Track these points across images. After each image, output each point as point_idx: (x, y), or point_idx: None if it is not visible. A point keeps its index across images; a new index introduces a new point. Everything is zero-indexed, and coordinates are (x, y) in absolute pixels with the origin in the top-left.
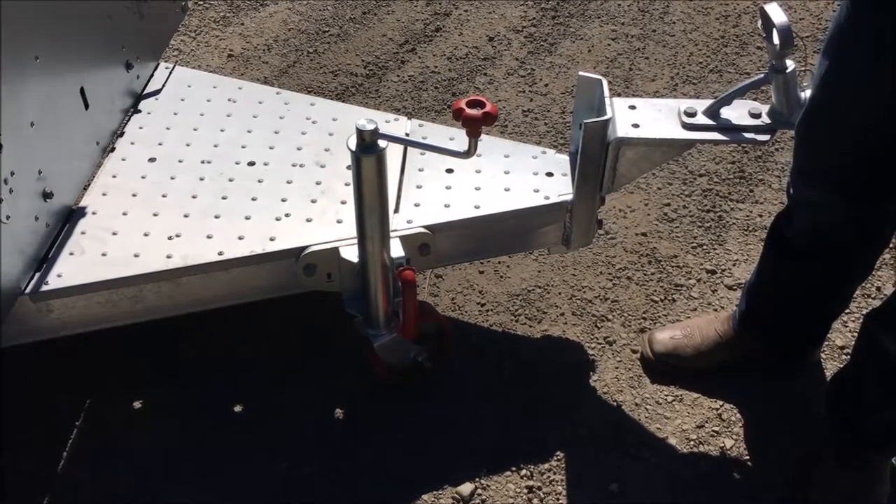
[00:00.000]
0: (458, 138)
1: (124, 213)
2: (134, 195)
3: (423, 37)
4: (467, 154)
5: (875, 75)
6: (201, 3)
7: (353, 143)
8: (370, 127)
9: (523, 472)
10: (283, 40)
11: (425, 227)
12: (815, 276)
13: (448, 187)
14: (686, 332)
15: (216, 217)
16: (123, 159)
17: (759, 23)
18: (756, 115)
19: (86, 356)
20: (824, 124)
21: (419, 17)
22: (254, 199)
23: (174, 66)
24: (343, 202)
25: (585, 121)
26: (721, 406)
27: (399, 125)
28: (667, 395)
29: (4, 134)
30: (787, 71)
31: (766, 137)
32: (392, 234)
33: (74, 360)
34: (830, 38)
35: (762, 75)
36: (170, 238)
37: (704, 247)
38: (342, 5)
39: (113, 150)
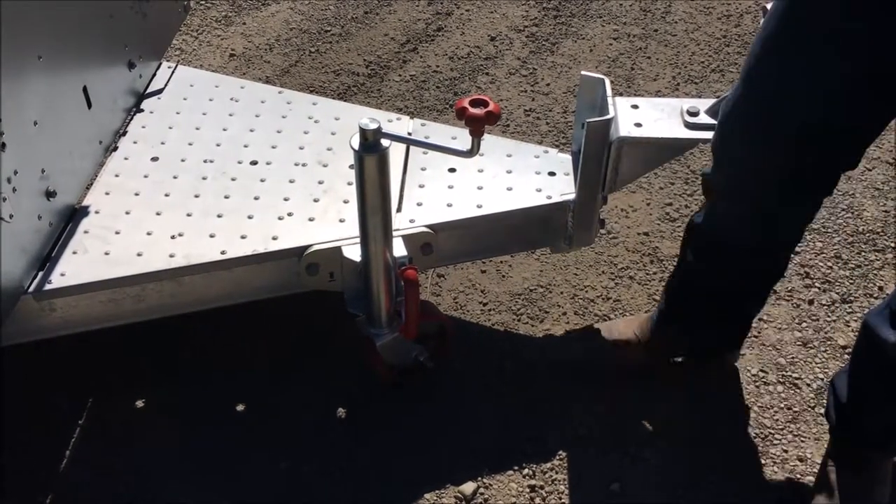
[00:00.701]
0: (460, 137)
1: (127, 212)
2: (136, 194)
3: (425, 36)
4: (470, 153)
5: (848, 78)
6: (203, 2)
7: (356, 142)
8: (373, 126)
9: (525, 471)
10: (284, 40)
11: (428, 226)
12: (731, 275)
13: (450, 186)
14: (609, 333)
15: (219, 216)
16: (126, 158)
17: (762, 22)
18: None
19: (87, 355)
20: (772, 128)
21: (421, 16)
22: (256, 199)
23: (176, 66)
24: (345, 201)
25: (588, 120)
26: (722, 406)
27: (401, 124)
28: (668, 396)
29: (8, 133)
30: None
31: None
32: (394, 234)
33: (75, 359)
34: (773, 38)
35: None
36: (172, 237)
37: None
38: (344, 5)
39: (116, 149)
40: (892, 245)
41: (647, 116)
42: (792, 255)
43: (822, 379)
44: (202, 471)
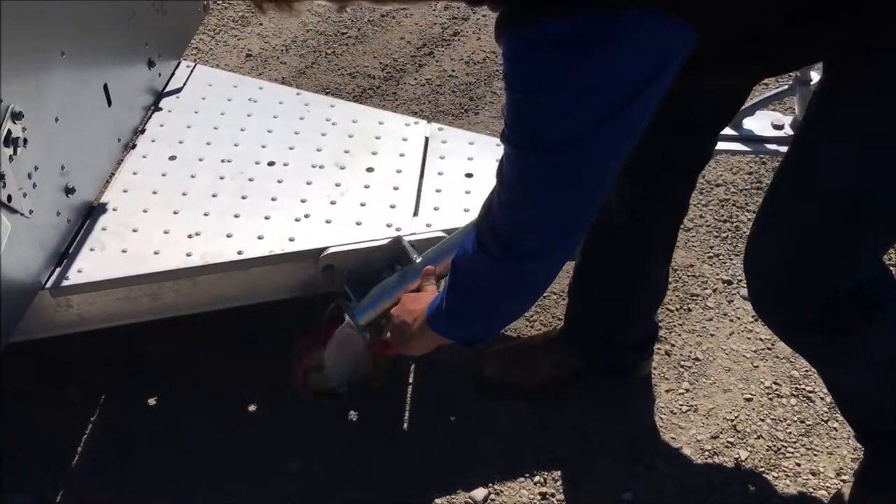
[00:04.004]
0: (477, 143)
1: (145, 211)
2: (154, 193)
3: (441, 40)
4: None
5: None
6: (220, 2)
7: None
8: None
9: (536, 478)
10: (301, 41)
11: (444, 230)
12: (625, 266)
13: (467, 192)
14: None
15: (236, 216)
16: (144, 157)
17: None
18: (779, 127)
19: (101, 351)
20: None
21: (437, 20)
22: (273, 200)
23: (195, 65)
24: (362, 204)
25: None
26: (736, 417)
27: (419, 128)
28: (681, 405)
29: (30, 129)
30: (812, 83)
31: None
32: (411, 238)
33: (90, 354)
34: None
35: (786, 86)
36: (189, 236)
37: (721, 257)
38: (360, 7)
39: (134, 147)
40: (888, 260)
41: None
42: None
43: None
44: (212, 470)
